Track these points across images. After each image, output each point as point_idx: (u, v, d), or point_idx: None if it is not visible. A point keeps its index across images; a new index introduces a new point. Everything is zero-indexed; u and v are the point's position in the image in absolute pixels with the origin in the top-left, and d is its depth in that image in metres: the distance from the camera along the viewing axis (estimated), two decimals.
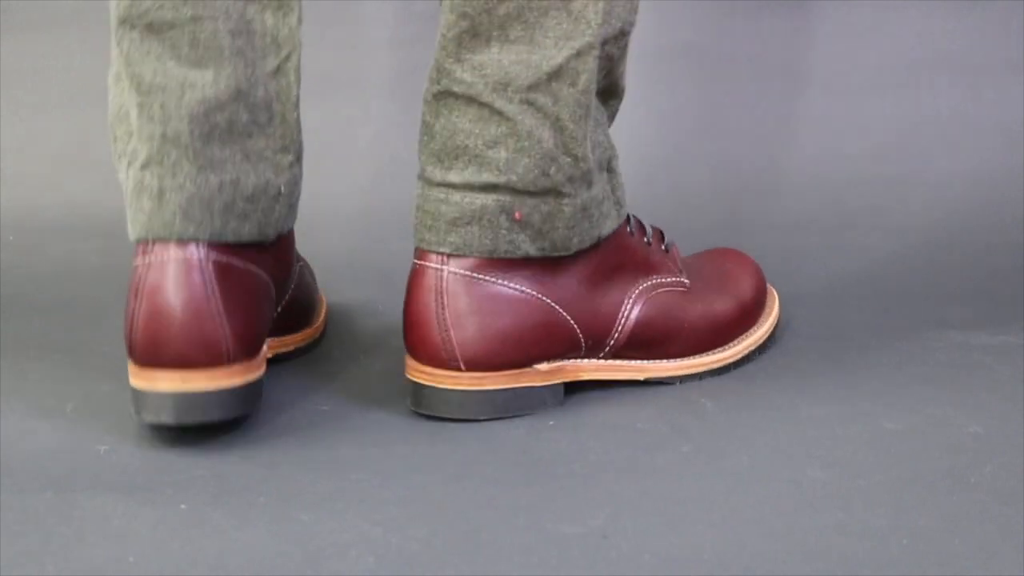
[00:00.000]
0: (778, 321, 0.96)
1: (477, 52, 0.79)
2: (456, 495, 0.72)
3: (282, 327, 0.91)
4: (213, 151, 0.78)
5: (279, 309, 0.89)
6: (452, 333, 0.81)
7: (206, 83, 0.77)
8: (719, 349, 0.90)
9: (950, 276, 1.15)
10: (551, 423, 0.83)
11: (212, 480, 0.74)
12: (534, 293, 0.82)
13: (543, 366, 0.84)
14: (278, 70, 0.81)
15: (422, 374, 0.83)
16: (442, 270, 0.81)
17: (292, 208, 0.85)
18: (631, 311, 0.86)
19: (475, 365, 0.82)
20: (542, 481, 0.74)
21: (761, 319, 0.94)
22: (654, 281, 0.88)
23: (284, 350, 0.93)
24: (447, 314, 0.81)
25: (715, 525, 0.68)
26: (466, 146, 0.80)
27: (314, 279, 1.01)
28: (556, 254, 0.82)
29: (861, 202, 1.37)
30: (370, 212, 1.33)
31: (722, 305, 0.91)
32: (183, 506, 0.71)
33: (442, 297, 0.81)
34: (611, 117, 0.88)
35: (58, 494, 0.73)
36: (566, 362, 0.85)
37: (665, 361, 0.88)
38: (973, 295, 1.09)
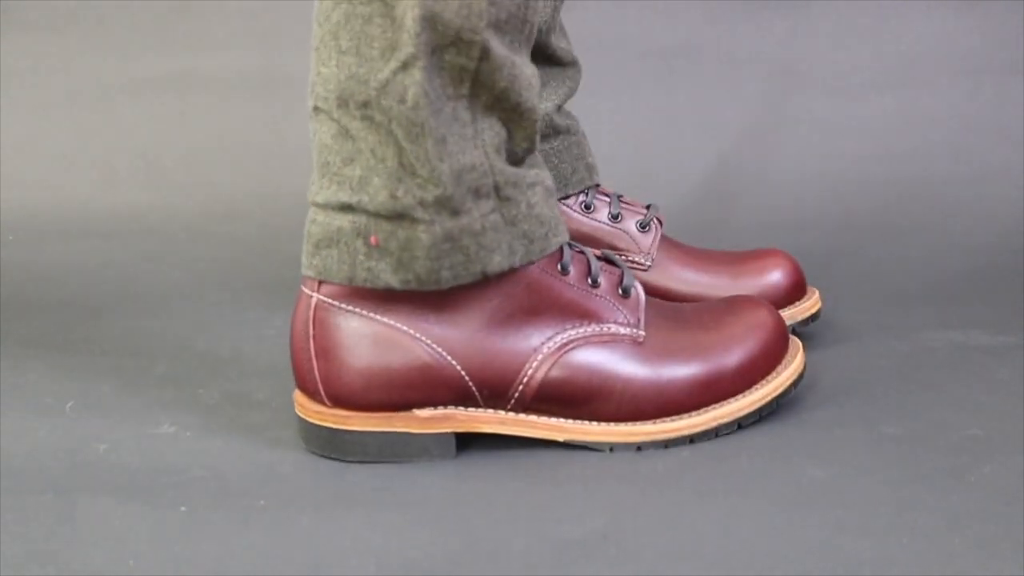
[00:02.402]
0: (780, 394, 0.81)
1: (326, 65, 0.73)
2: (456, 500, 0.72)
3: None
4: None
5: None
6: (316, 365, 0.76)
7: None
8: (670, 418, 0.78)
9: (950, 276, 1.15)
10: None
11: (212, 481, 0.74)
12: (408, 330, 0.75)
13: (424, 412, 0.76)
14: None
15: (298, 404, 0.78)
16: (312, 297, 0.76)
17: None
18: (541, 363, 0.76)
19: (340, 402, 0.76)
20: (543, 486, 0.74)
21: (748, 391, 0.80)
22: (585, 330, 0.77)
23: None
24: (312, 345, 0.76)
25: (715, 524, 0.68)
26: (328, 163, 0.74)
27: None
28: (425, 288, 0.74)
29: (861, 202, 1.37)
30: None
31: (685, 369, 0.78)
32: (183, 508, 0.71)
33: (309, 326, 0.76)
34: (527, 138, 0.77)
35: (58, 494, 0.73)
36: (456, 410, 0.77)
37: (592, 423, 0.78)
38: (973, 295, 1.09)
